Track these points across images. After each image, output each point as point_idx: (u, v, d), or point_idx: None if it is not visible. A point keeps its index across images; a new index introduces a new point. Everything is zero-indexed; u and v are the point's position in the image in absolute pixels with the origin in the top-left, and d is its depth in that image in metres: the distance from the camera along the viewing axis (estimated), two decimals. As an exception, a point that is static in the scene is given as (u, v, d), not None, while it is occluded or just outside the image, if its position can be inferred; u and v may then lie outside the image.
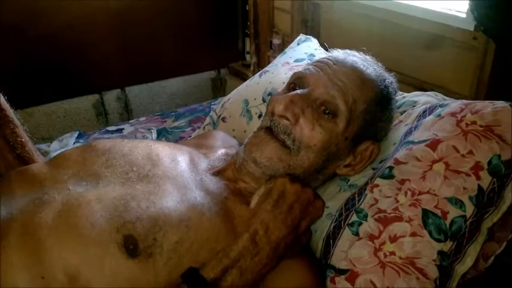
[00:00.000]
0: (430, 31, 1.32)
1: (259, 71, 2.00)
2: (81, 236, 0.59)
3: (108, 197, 0.64)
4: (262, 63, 2.05)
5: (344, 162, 0.77)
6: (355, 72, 0.75)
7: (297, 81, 0.77)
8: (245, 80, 2.05)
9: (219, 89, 2.26)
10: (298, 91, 0.74)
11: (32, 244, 0.58)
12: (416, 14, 1.34)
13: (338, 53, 0.82)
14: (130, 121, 1.44)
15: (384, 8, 1.43)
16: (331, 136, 0.72)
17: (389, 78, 0.81)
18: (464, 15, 1.22)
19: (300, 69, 0.80)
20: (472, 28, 1.19)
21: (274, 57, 1.87)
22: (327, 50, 0.89)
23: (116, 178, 0.68)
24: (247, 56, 2.13)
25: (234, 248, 0.62)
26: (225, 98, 1.21)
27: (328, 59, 0.78)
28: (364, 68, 0.77)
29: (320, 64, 0.77)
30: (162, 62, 2.03)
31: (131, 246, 0.59)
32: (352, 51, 0.83)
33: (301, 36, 1.32)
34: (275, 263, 0.65)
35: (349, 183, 0.79)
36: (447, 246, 0.65)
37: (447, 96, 0.96)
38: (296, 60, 1.17)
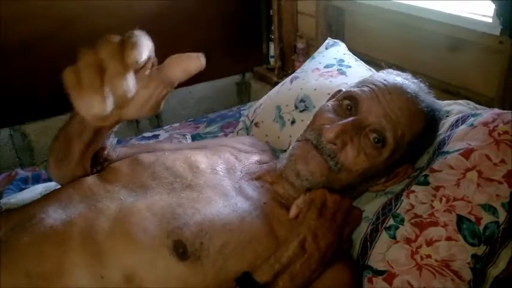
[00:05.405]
0: (455, 35, 1.32)
1: (283, 74, 2.04)
2: (135, 240, 0.64)
3: (157, 206, 0.68)
4: (286, 67, 2.08)
5: (378, 181, 0.81)
6: (409, 105, 0.76)
7: (348, 100, 0.78)
8: (270, 83, 2.10)
9: (244, 93, 2.30)
10: (350, 120, 0.74)
11: (92, 248, 0.63)
12: (441, 18, 1.33)
13: (395, 77, 0.80)
14: (165, 127, 1.48)
15: (409, 12, 1.42)
16: (374, 164, 0.75)
17: (439, 109, 0.82)
18: (490, 20, 1.23)
19: (348, 83, 0.78)
20: (498, 32, 1.20)
21: (299, 61, 1.91)
22: (382, 67, 0.87)
23: (162, 188, 0.72)
24: (272, 60, 2.15)
25: (284, 254, 0.66)
26: (257, 104, 1.23)
27: (384, 84, 0.77)
28: (419, 102, 0.77)
29: (376, 89, 0.76)
30: (189, 67, 2.08)
31: (181, 250, 0.63)
32: (407, 75, 0.82)
33: (329, 40, 1.32)
34: (323, 269, 0.69)
35: (385, 190, 0.83)
36: (481, 250, 0.68)
37: (473, 97, 0.98)
38: (326, 66, 1.17)
